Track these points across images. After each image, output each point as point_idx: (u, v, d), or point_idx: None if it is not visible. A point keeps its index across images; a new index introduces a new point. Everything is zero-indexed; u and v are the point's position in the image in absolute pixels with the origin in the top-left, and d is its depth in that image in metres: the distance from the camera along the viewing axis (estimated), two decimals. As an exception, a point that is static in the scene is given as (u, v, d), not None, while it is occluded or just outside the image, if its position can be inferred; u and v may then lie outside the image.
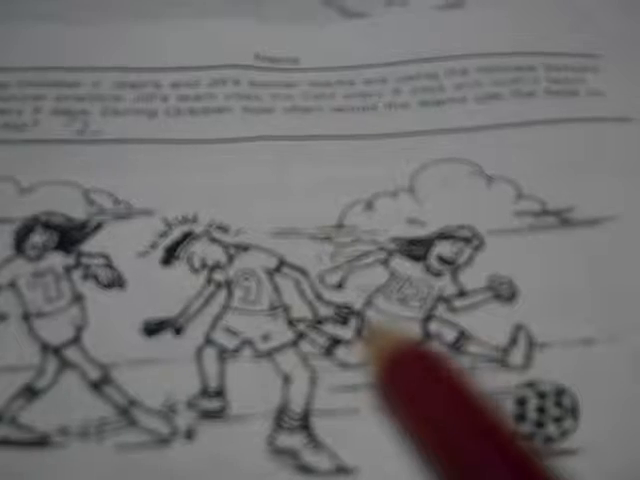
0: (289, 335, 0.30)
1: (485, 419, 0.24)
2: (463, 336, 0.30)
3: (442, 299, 0.31)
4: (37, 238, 0.32)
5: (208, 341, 0.30)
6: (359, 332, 0.30)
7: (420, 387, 0.25)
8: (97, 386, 0.29)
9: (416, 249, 0.32)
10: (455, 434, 0.22)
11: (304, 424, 0.28)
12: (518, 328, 0.30)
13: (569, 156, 0.34)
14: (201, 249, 0.32)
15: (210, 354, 0.30)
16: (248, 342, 0.30)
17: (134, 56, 0.38)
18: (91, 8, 0.40)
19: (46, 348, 0.30)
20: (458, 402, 0.24)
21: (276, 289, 0.31)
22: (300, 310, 0.31)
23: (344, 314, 0.31)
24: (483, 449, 0.22)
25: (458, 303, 0.31)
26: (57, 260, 0.32)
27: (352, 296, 0.31)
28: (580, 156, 0.35)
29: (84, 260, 0.32)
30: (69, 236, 0.32)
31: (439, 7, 0.40)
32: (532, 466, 0.22)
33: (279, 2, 0.40)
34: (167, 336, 0.30)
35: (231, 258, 0.32)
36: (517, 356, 0.29)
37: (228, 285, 0.31)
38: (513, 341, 0.30)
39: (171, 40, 0.38)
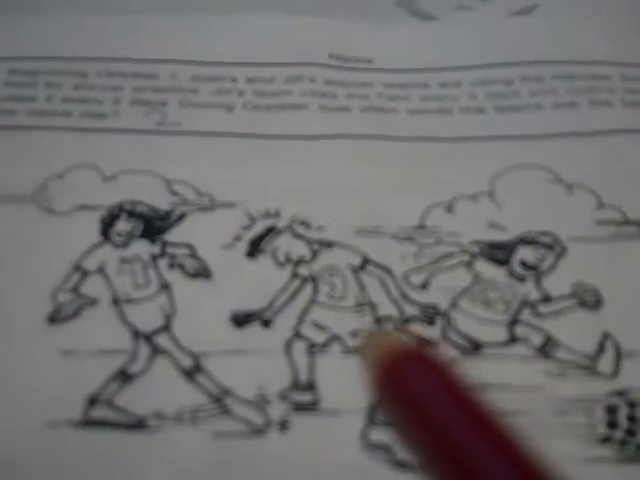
0: (378, 333, 0.30)
1: (485, 422, 0.24)
2: (550, 341, 0.30)
3: (527, 304, 0.31)
4: (122, 225, 0.32)
5: (297, 335, 0.30)
6: (445, 332, 0.31)
7: (418, 390, 0.25)
8: (190, 374, 0.29)
9: (498, 253, 0.32)
10: (455, 437, 0.23)
11: (395, 421, 0.29)
12: (605, 336, 0.30)
13: None
14: (285, 244, 0.32)
15: (299, 348, 0.30)
16: (337, 338, 0.30)
17: (210, 50, 0.38)
18: (170, 0, 0.40)
19: (137, 334, 0.30)
20: (457, 405, 0.25)
21: (361, 287, 0.31)
22: (386, 308, 0.31)
23: (430, 314, 0.31)
24: (483, 451, 0.22)
25: (543, 309, 0.31)
26: (143, 248, 0.32)
27: (437, 297, 0.31)
28: None
29: (170, 249, 0.32)
30: (153, 225, 0.33)
31: (509, 14, 0.40)
32: (533, 468, 0.22)
33: (351, 1, 0.41)
34: (256, 328, 0.30)
35: (315, 254, 0.32)
36: (606, 364, 0.29)
37: (313, 280, 0.31)
38: (600, 349, 0.30)
39: (246, 35, 0.39)
